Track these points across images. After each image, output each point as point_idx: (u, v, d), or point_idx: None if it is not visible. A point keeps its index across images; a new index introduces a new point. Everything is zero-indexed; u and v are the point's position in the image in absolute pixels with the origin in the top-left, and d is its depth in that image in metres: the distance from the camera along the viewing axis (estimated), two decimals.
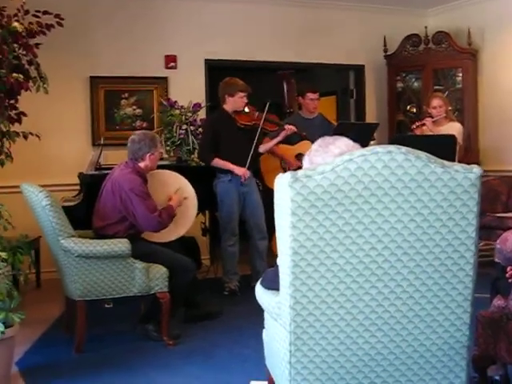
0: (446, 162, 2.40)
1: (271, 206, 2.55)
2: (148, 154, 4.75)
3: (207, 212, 6.89)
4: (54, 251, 4.53)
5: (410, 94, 8.29)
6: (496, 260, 3.07)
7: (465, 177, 2.38)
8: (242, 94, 5.97)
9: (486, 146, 7.91)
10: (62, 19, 5.61)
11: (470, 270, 2.47)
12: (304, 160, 2.75)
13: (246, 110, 5.98)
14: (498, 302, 3.34)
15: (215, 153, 5.92)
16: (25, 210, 4.76)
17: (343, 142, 2.64)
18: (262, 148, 6.21)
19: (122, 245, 4.40)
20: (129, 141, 4.83)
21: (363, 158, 2.34)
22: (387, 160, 2.34)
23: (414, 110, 8.22)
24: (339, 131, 5.89)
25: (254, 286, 6.07)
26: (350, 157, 2.35)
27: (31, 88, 5.39)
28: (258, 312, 5.38)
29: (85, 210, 5.42)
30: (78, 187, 6.59)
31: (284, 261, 2.49)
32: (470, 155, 7.59)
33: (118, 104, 7.26)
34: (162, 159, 6.24)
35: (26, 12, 5.49)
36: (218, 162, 5.93)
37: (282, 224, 2.47)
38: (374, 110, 8.52)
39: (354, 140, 5.71)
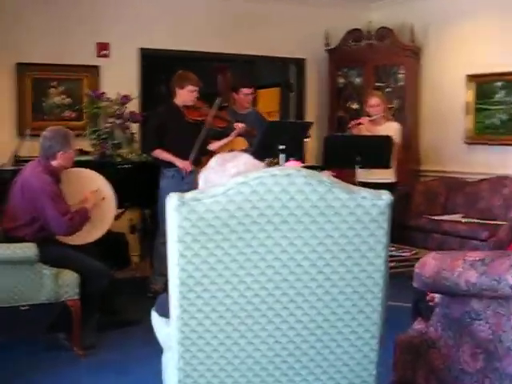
0: (352, 187, 2.17)
1: None
2: (60, 153, 4.46)
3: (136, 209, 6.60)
4: None
5: (351, 90, 8.08)
6: (414, 285, 2.88)
7: (373, 204, 2.16)
8: (192, 88, 5.77)
9: (426, 145, 7.76)
10: None
11: (378, 306, 2.26)
12: (199, 178, 2.50)
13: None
14: (419, 325, 3.15)
15: (159, 145, 5.71)
16: None
17: (242, 161, 2.39)
18: (213, 146, 6.00)
19: (27, 249, 4.11)
20: (41, 136, 4.54)
21: (258, 180, 2.10)
22: (286, 184, 2.11)
23: (355, 107, 8.01)
24: (270, 131, 5.72)
25: None
26: (244, 179, 2.11)
27: None
28: None
29: None
30: None
31: (172, 291, 2.24)
32: (410, 154, 7.46)
33: (46, 93, 6.89)
34: (86, 153, 5.98)
35: None
36: (159, 154, 5.71)
37: (170, 251, 2.22)
38: (314, 105, 8.30)
39: (289, 139, 5.59)
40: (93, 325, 4.57)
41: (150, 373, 4.01)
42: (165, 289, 2.56)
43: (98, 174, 4.92)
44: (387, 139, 5.93)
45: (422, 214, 7.07)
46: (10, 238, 4.35)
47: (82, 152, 6.21)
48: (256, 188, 2.10)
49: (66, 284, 4.24)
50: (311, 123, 6.33)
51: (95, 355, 4.36)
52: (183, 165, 5.67)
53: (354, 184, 5.71)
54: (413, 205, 7.17)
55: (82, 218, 4.46)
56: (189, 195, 2.12)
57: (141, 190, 5.97)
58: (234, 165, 2.37)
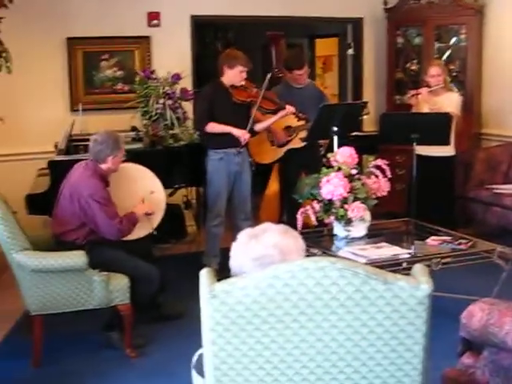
0: (389, 277, 2.07)
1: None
2: (111, 157, 4.43)
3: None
4: (10, 263, 4.28)
5: (411, 51, 7.78)
6: (461, 334, 2.79)
7: (410, 295, 2.06)
8: (241, 69, 5.60)
9: (488, 108, 7.46)
10: None
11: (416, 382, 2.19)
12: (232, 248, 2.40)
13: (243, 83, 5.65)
14: (467, 360, 3.06)
15: (211, 120, 5.59)
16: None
17: (271, 242, 2.26)
18: (259, 126, 5.89)
19: (77, 258, 4.12)
20: (91, 140, 4.51)
21: (290, 274, 2.03)
22: (319, 277, 2.02)
23: (414, 68, 7.73)
24: (324, 114, 5.57)
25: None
26: (275, 273, 2.03)
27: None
28: None
29: (51, 198, 5.19)
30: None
31: (207, 374, 2.22)
32: (471, 117, 7.20)
33: (97, 66, 6.86)
34: (138, 132, 5.96)
35: None
36: (214, 127, 5.57)
37: (203, 336, 2.18)
38: (372, 66, 8.05)
39: (343, 120, 5.44)
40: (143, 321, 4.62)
41: None
42: None
43: (146, 170, 4.88)
44: (446, 116, 5.70)
45: (482, 183, 6.85)
46: (61, 243, 4.38)
47: (134, 129, 6.21)
48: (288, 281, 2.03)
49: (116, 289, 4.26)
50: (366, 103, 6.12)
51: (147, 355, 4.40)
52: (241, 133, 5.55)
53: (412, 158, 5.68)
54: (473, 173, 6.93)
55: (130, 222, 4.46)
56: (219, 287, 2.06)
57: (194, 170, 5.91)
58: (253, 248, 2.25)
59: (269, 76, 5.68)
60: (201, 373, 2.56)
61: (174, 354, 4.43)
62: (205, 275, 2.20)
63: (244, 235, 2.32)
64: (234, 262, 2.31)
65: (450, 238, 4.99)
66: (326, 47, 10.45)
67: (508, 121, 7.26)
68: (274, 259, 2.18)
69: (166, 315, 4.93)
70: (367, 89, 8.05)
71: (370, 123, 7.10)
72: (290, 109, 5.74)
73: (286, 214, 6.92)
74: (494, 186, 6.64)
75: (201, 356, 2.62)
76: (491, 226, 6.64)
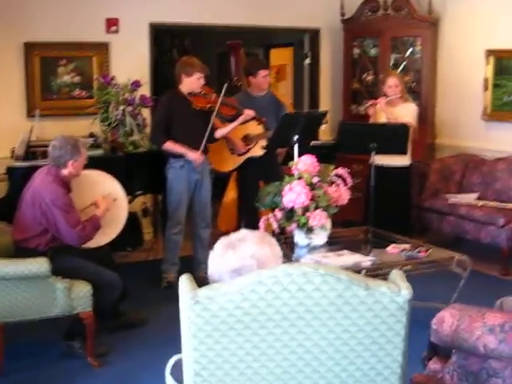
0: (370, 283, 2.10)
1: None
2: (70, 162, 4.37)
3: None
4: None
5: (367, 62, 7.88)
6: (432, 340, 2.83)
7: (391, 300, 2.10)
8: (199, 75, 5.59)
9: (442, 119, 7.60)
10: None
11: None
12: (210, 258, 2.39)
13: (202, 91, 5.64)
14: (434, 365, 3.11)
15: (168, 137, 5.55)
16: None
17: (248, 252, 2.25)
18: (219, 133, 5.87)
19: (40, 265, 4.05)
20: (50, 146, 4.44)
21: (274, 279, 2.05)
22: (302, 282, 2.05)
23: (370, 78, 7.83)
24: (286, 122, 5.61)
25: (196, 275, 5.96)
26: (258, 278, 2.05)
27: None
28: None
29: (9, 204, 5.11)
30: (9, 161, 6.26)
31: (187, 380, 2.21)
32: (425, 128, 7.32)
33: (54, 72, 6.74)
34: (96, 139, 5.91)
35: None
36: (170, 146, 5.55)
37: (184, 343, 2.18)
38: (328, 76, 8.13)
39: (304, 129, 5.49)
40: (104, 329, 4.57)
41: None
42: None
43: (108, 176, 4.84)
44: (404, 127, 5.81)
45: (437, 192, 6.97)
46: (22, 250, 4.31)
47: (92, 136, 6.15)
48: (271, 287, 2.04)
49: (79, 297, 4.20)
50: (326, 112, 6.18)
51: (110, 364, 4.35)
52: (195, 157, 5.55)
53: (370, 168, 5.75)
54: (428, 183, 7.05)
55: (93, 227, 4.40)
56: (202, 293, 2.07)
57: (153, 177, 5.90)
58: (236, 257, 2.25)
59: (227, 84, 5.68)
60: (178, 379, 2.55)
61: (137, 362, 4.40)
62: (185, 281, 2.20)
63: (220, 246, 2.31)
64: (212, 273, 2.30)
65: (408, 246, 5.07)
66: (280, 57, 10.52)
67: (461, 131, 7.41)
68: (252, 269, 2.19)
69: (128, 323, 4.88)
70: (324, 98, 8.13)
71: (325, 132, 7.16)
72: (249, 113, 5.75)
73: (244, 222, 6.94)
74: (449, 196, 6.76)
75: (178, 362, 2.62)
76: (446, 234, 6.77)
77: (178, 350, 4.35)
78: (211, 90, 5.71)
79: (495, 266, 6.15)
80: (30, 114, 6.59)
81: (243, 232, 2.34)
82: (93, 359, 4.30)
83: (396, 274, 2.27)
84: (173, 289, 5.60)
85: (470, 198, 6.69)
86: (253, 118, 5.83)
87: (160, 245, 6.57)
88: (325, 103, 8.07)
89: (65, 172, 4.39)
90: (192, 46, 9.95)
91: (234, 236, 2.31)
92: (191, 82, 5.57)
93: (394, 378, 2.19)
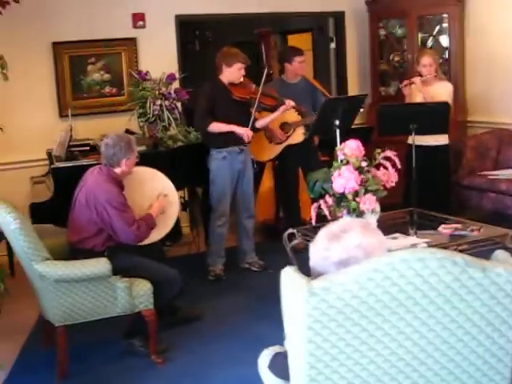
0: (486, 265, 2.06)
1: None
2: (124, 160, 4.34)
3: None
4: (28, 274, 4.18)
5: (394, 42, 7.83)
6: None
7: (507, 281, 2.06)
8: (240, 66, 5.56)
9: (473, 95, 7.53)
10: None
11: (508, 372, 2.19)
12: (310, 248, 2.34)
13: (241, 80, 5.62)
14: None
15: (212, 119, 5.53)
16: None
17: (354, 242, 2.19)
18: (260, 123, 5.85)
19: (101, 266, 4.03)
20: (102, 145, 4.41)
21: (390, 267, 2.01)
22: (419, 268, 2.01)
23: (398, 59, 7.78)
24: (328, 108, 5.55)
25: (241, 266, 5.94)
26: (375, 266, 2.01)
27: None
28: (248, 304, 5.22)
29: (56, 206, 5.11)
30: (46, 162, 6.26)
31: (298, 374, 2.18)
32: (456, 105, 7.25)
33: (84, 70, 6.73)
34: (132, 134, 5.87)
35: None
36: (217, 126, 5.50)
37: (294, 335, 2.14)
38: (355, 59, 8.07)
39: (344, 113, 5.44)
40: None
41: (230, 379, 4.05)
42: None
43: (157, 172, 4.81)
44: (445, 105, 5.75)
45: (473, 170, 6.92)
46: (78, 251, 4.29)
47: (128, 132, 6.10)
48: (388, 274, 2.01)
49: (139, 295, 4.18)
50: (366, 95, 6.13)
51: (172, 361, 4.33)
52: (244, 131, 5.51)
53: (406, 148, 5.71)
54: (464, 160, 6.99)
55: (148, 225, 4.38)
56: (317, 284, 2.03)
57: (192, 170, 5.86)
58: (342, 248, 2.20)
59: (266, 71, 5.65)
60: (279, 374, 2.52)
61: (198, 357, 4.39)
62: (291, 273, 2.16)
63: (323, 238, 2.25)
64: (314, 265, 2.25)
65: (459, 225, 5.02)
66: (298, 42, 10.41)
67: (493, 107, 7.34)
68: (359, 260, 2.15)
69: (185, 318, 4.87)
70: (351, 81, 8.08)
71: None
72: (290, 103, 5.70)
73: (283, 211, 6.92)
74: (488, 173, 6.72)
75: (277, 356, 2.58)
76: (486, 211, 6.71)
77: (239, 343, 4.40)
78: (251, 81, 5.67)
79: None
80: (62, 113, 6.57)
81: (345, 221, 2.31)
82: (156, 356, 4.29)
83: (500, 254, 2.23)
84: (221, 281, 5.66)
85: (508, 173, 6.63)
86: (293, 107, 5.78)
87: (201, 238, 6.55)
88: (352, 86, 8.02)
89: (117, 171, 4.36)
90: (213, 36, 9.91)
91: (336, 226, 2.26)
92: (232, 72, 5.53)
93: (508, 360, 2.16)
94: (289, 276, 2.16)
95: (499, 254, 2.25)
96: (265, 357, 2.69)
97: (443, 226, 5.02)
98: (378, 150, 4.93)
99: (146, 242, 4.56)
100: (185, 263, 6.20)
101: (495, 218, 6.46)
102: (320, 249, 2.22)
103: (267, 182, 7.04)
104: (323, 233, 2.27)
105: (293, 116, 6.13)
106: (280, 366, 2.51)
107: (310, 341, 2.07)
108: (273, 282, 5.60)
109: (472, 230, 4.89)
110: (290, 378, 2.31)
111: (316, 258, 2.24)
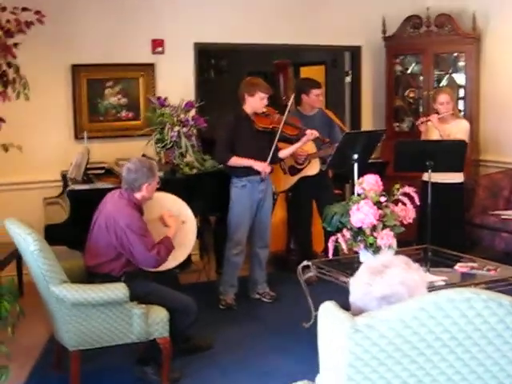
0: None
1: None
2: (145, 185, 4.33)
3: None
4: (44, 296, 4.14)
5: (409, 79, 7.87)
6: None
7: None
8: (262, 95, 5.57)
9: (486, 135, 7.57)
10: (43, 16, 5.10)
11: None
12: (351, 282, 2.31)
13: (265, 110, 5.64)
14: None
15: (232, 153, 5.56)
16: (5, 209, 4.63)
17: (396, 280, 2.18)
18: (283, 153, 5.84)
19: (118, 291, 4.00)
20: (124, 170, 4.40)
21: (436, 306, 1.99)
22: (465, 308, 1.99)
23: (413, 95, 7.82)
24: (348, 142, 5.56)
25: (252, 297, 5.91)
26: (421, 305, 1.99)
27: (11, 97, 4.92)
28: (259, 335, 5.18)
29: (71, 228, 5.10)
30: (60, 184, 6.27)
31: None
32: (470, 144, 7.26)
33: (101, 94, 6.75)
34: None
35: (3, 9, 4.99)
36: (236, 161, 5.54)
37: (333, 371, 2.11)
38: (370, 94, 8.10)
39: (362, 148, 5.45)
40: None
41: None
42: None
43: (175, 198, 4.81)
44: (461, 144, 5.77)
45: (486, 209, 6.92)
46: (95, 275, 4.26)
47: (145, 157, 6.10)
48: (433, 313, 1.98)
49: (155, 322, 4.14)
50: (385, 131, 6.15)
51: None
52: (262, 167, 5.53)
53: (421, 185, 5.71)
54: (477, 199, 7.00)
55: (167, 249, 4.35)
56: (361, 321, 2.00)
57: (208, 198, 5.86)
58: (385, 284, 2.17)
59: (291, 101, 5.69)
60: None
61: None
62: (332, 308, 2.14)
63: (365, 272, 2.23)
64: (355, 300, 2.22)
65: (476, 264, 5.01)
66: (311, 75, 10.47)
67: (505, 147, 7.37)
68: (402, 297, 2.12)
69: (196, 347, 4.82)
70: (365, 116, 8.10)
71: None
72: (313, 133, 5.70)
73: (294, 242, 6.90)
74: (501, 212, 6.72)
75: None
76: (498, 251, 6.69)
77: (251, 374, 4.36)
78: (275, 111, 5.68)
79: None
80: (78, 136, 6.58)
81: (387, 257, 2.28)
82: None
83: None
84: (231, 311, 5.62)
85: None
86: (316, 138, 5.79)
87: (211, 266, 6.52)
88: (367, 121, 8.04)
89: (138, 196, 4.35)
90: (227, 66, 9.97)
91: (378, 261, 2.24)
92: (254, 102, 5.55)
93: None
94: (329, 311, 2.14)
95: None
96: None
97: (459, 264, 5.02)
98: (397, 186, 4.94)
99: (162, 268, 4.54)
100: (194, 291, 6.13)
101: (508, 259, 6.44)
102: (362, 283, 2.20)
103: (279, 212, 7.02)
104: (365, 267, 2.24)
105: (309, 147, 6.14)
106: None
107: (350, 378, 2.04)
108: (284, 314, 5.65)
109: (489, 270, 4.88)
110: None
111: (357, 292, 2.21)
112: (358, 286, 2.22)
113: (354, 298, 2.23)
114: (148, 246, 4.21)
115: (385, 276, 2.16)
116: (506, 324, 2.02)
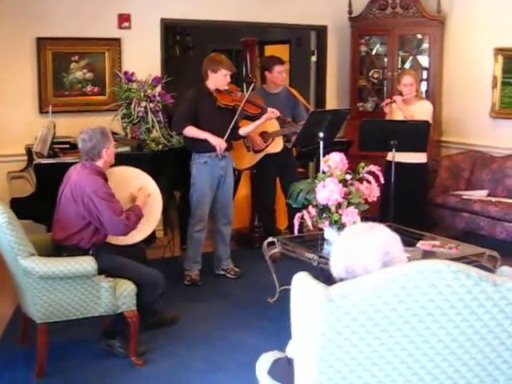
0: (497, 279, 2.12)
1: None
2: (104, 150, 4.32)
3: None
4: (11, 269, 4.13)
5: (374, 59, 7.95)
6: None
7: None
8: (225, 72, 5.57)
9: (448, 117, 7.70)
10: None
11: None
12: (332, 250, 2.37)
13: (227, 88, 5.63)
14: None
15: (189, 123, 5.54)
16: None
17: (378, 234, 2.28)
18: (244, 131, 5.86)
19: (87, 264, 4.00)
20: (79, 141, 4.37)
21: (407, 277, 2.05)
22: (435, 279, 2.06)
23: (377, 76, 7.90)
24: (314, 120, 5.61)
25: (216, 273, 5.95)
26: (393, 276, 2.06)
27: None
28: (224, 310, 5.24)
29: (37, 202, 5.08)
30: (24, 158, 6.21)
31: (305, 380, 2.21)
32: (433, 126, 7.37)
33: (67, 68, 6.69)
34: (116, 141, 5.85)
35: None
36: (191, 131, 5.53)
37: (305, 340, 2.17)
38: (335, 73, 8.16)
39: (328, 126, 5.50)
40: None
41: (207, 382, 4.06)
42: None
43: (140, 172, 4.81)
44: (425, 124, 5.87)
45: (447, 189, 7.05)
46: (63, 247, 4.26)
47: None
48: (404, 284, 2.05)
49: (123, 296, 4.16)
50: (350, 110, 6.22)
51: (151, 363, 4.31)
52: (217, 141, 5.52)
53: (387, 164, 5.80)
54: (438, 179, 7.13)
55: (137, 216, 4.36)
56: (335, 291, 2.06)
57: (173, 174, 5.88)
58: (381, 234, 2.27)
59: (253, 84, 5.72)
60: (281, 379, 2.54)
61: (176, 360, 4.38)
62: (306, 278, 2.19)
63: (349, 236, 2.31)
64: (351, 264, 2.27)
65: (438, 242, 5.12)
66: (275, 54, 10.51)
67: (468, 129, 7.51)
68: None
69: (162, 321, 4.86)
70: (330, 95, 8.16)
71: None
72: (274, 112, 5.74)
73: (259, 219, 6.95)
74: (462, 192, 6.85)
75: (277, 361, 2.61)
76: (458, 230, 6.83)
77: (216, 348, 4.42)
78: (237, 89, 5.70)
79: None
80: (43, 110, 6.52)
81: (359, 225, 2.37)
82: (136, 358, 4.27)
83: (508, 270, 2.29)
84: (196, 286, 5.66)
85: (481, 194, 6.77)
86: (278, 117, 5.83)
87: (176, 242, 6.54)
88: (331, 100, 8.11)
89: (99, 163, 4.33)
90: (193, 43, 9.94)
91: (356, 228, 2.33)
92: (217, 79, 5.56)
93: (511, 373, 2.21)
94: (303, 280, 2.19)
95: (504, 270, 2.31)
96: (264, 361, 2.72)
97: (421, 242, 5.11)
98: (362, 164, 5.01)
99: (130, 242, 4.57)
100: (159, 267, 6.16)
101: (467, 238, 6.59)
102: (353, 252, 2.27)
103: (243, 189, 7.07)
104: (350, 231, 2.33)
105: (272, 125, 6.18)
106: (281, 371, 2.54)
107: (323, 346, 2.10)
108: (249, 289, 5.71)
109: (450, 248, 4.99)
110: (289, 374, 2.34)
111: (350, 256, 2.26)
112: (348, 248, 2.27)
113: (349, 262, 2.27)
114: (116, 211, 4.20)
115: (376, 228, 2.25)
116: (473, 295, 2.09)
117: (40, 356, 4.08)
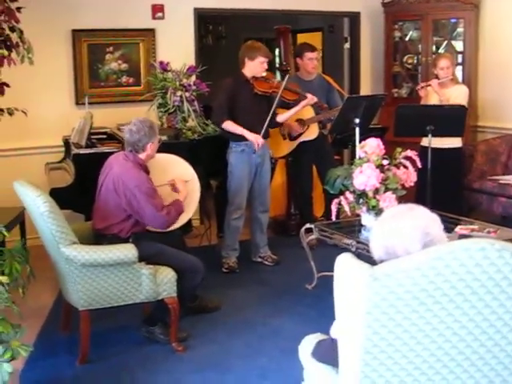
0: None
1: None
2: (149, 144, 4.37)
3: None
4: (53, 257, 4.19)
5: (408, 45, 7.90)
6: None
7: None
8: (262, 60, 5.59)
9: (484, 101, 7.61)
10: None
11: None
12: (371, 234, 2.38)
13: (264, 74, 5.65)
14: None
15: (228, 117, 5.55)
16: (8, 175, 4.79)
17: (418, 215, 2.28)
18: (281, 118, 5.88)
19: (127, 251, 4.06)
20: (126, 132, 4.42)
21: (452, 255, 2.05)
22: (479, 258, 2.05)
23: (411, 61, 7.85)
24: (349, 106, 5.60)
25: (254, 260, 5.98)
26: (438, 254, 2.06)
27: (15, 61, 4.92)
28: (263, 297, 5.26)
29: (76, 192, 5.15)
30: (62, 149, 6.28)
31: (351, 359, 2.22)
32: (468, 111, 7.31)
33: (102, 59, 6.77)
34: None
35: None
36: (229, 126, 5.55)
37: (351, 320, 2.19)
38: (369, 60, 8.13)
39: (364, 112, 5.48)
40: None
41: (251, 369, 4.08)
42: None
43: (179, 159, 4.84)
44: (461, 108, 5.81)
45: (484, 174, 6.99)
46: (103, 236, 4.31)
47: None
48: (449, 262, 2.05)
49: (163, 282, 4.21)
50: (386, 95, 6.19)
51: (192, 349, 4.35)
52: (254, 138, 5.54)
53: (422, 149, 5.76)
54: (475, 164, 7.07)
55: (177, 211, 4.40)
56: (380, 270, 2.07)
57: (210, 162, 5.90)
58: (420, 216, 2.27)
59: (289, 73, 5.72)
60: (325, 360, 2.56)
61: (217, 346, 4.41)
62: (350, 259, 2.20)
63: (389, 217, 2.32)
64: (392, 245, 2.26)
65: (476, 227, 5.08)
66: (308, 41, 10.49)
67: (503, 113, 7.42)
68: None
69: (203, 308, 4.91)
70: (364, 82, 8.13)
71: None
72: (313, 98, 5.74)
73: (295, 207, 6.96)
74: (499, 177, 6.79)
75: (321, 343, 2.62)
76: (496, 215, 6.77)
77: (256, 334, 4.44)
78: (273, 76, 5.72)
79: None
80: (79, 101, 6.60)
81: (398, 206, 2.37)
82: (177, 344, 4.31)
83: None
84: (234, 274, 5.69)
85: None
86: (315, 103, 5.83)
87: (213, 230, 6.58)
88: (365, 87, 8.08)
89: (142, 156, 4.39)
90: (225, 32, 9.96)
91: (395, 210, 2.33)
92: (254, 66, 5.57)
93: None
94: (347, 261, 2.20)
95: None
96: (307, 344, 2.74)
97: (460, 226, 5.08)
98: (399, 150, 4.99)
99: (167, 228, 4.60)
100: (197, 254, 6.21)
101: (505, 223, 6.52)
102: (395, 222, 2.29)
103: (279, 177, 7.08)
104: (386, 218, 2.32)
105: (308, 112, 6.18)
106: (325, 352, 2.56)
107: (368, 326, 2.12)
108: (286, 276, 5.73)
109: (489, 232, 4.95)
110: (339, 364, 2.35)
111: (395, 236, 2.25)
112: (394, 228, 2.27)
113: (387, 243, 2.27)
114: (158, 207, 4.25)
115: (415, 209, 2.25)
116: None
117: (83, 343, 4.14)
